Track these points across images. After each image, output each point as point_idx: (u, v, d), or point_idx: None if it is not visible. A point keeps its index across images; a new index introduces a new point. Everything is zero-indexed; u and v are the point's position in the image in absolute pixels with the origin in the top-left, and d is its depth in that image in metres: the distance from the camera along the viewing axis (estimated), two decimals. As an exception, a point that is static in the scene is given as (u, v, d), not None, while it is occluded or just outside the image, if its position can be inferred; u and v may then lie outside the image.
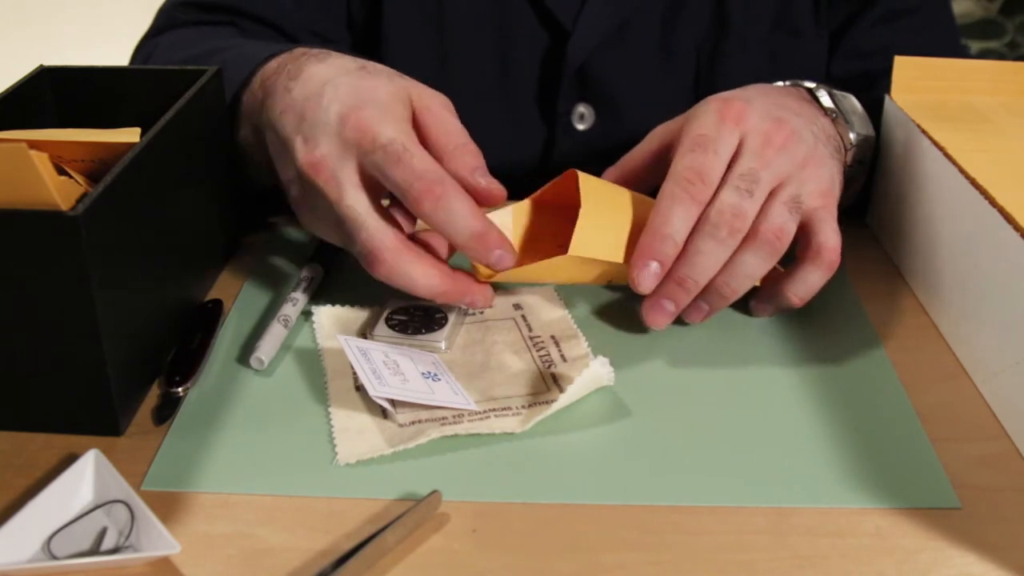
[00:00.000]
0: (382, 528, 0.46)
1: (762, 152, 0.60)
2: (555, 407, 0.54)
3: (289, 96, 0.61)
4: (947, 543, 0.47)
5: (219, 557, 0.46)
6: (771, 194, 0.60)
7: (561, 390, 0.55)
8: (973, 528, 0.48)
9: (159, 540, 0.45)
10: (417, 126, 0.60)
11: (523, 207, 0.65)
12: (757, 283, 0.62)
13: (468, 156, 0.59)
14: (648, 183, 0.67)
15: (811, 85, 0.70)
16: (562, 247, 0.59)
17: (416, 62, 0.84)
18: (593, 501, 0.50)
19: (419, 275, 0.58)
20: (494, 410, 0.55)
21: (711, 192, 0.59)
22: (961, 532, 0.48)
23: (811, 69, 0.86)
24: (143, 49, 0.85)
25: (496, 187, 0.59)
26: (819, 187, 0.62)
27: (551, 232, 0.65)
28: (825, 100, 0.69)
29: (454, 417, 0.54)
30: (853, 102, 0.71)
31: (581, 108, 0.86)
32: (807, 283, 0.61)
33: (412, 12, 0.85)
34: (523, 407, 0.55)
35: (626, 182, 0.66)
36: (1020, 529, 0.48)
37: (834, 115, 0.68)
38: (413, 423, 0.54)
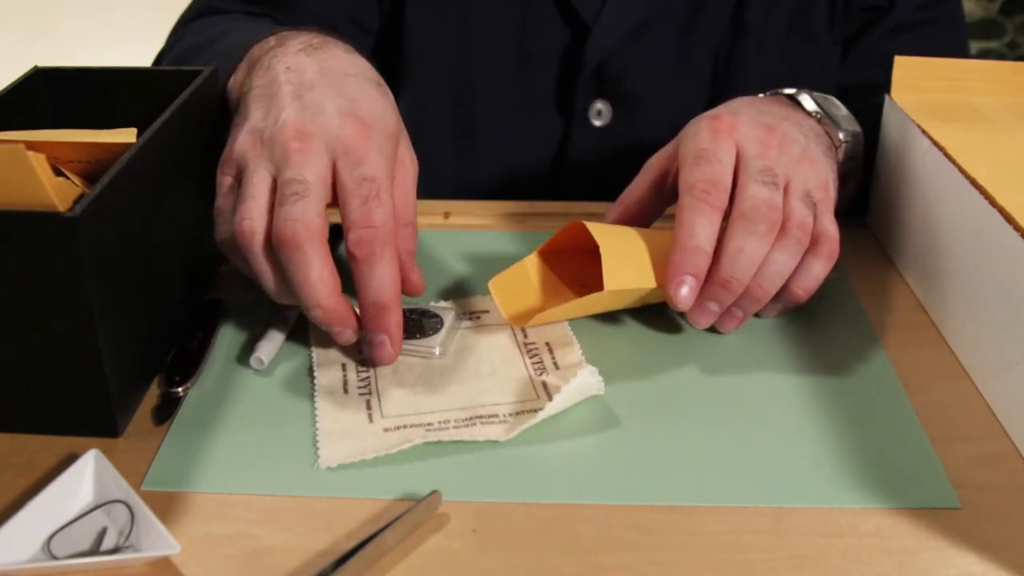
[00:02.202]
0: (382, 528, 0.46)
1: (764, 154, 0.61)
2: (540, 416, 0.54)
3: (303, 56, 0.61)
4: (947, 543, 0.47)
5: (219, 557, 0.46)
6: (785, 191, 0.61)
7: (550, 399, 0.55)
8: (973, 528, 0.48)
9: (159, 540, 0.45)
10: None
11: (532, 260, 0.65)
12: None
13: (410, 239, 0.61)
14: (650, 215, 0.67)
15: (791, 91, 0.71)
16: (585, 286, 0.59)
17: (437, 52, 0.85)
18: (593, 501, 0.50)
19: (318, 273, 0.55)
20: (480, 417, 0.55)
21: (727, 198, 0.60)
22: (961, 532, 0.48)
23: (824, 75, 0.87)
24: (175, 33, 0.87)
25: (421, 283, 0.62)
26: (817, 182, 0.62)
27: (568, 277, 0.65)
28: (808, 104, 0.70)
29: (439, 424, 0.54)
30: (836, 103, 0.72)
31: (599, 105, 0.87)
32: (810, 274, 0.61)
33: (436, 2, 0.86)
34: (510, 415, 0.55)
35: (629, 216, 0.67)
36: (1020, 529, 0.48)
37: (819, 116, 0.69)
38: (398, 428, 0.54)
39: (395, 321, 0.57)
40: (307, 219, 0.54)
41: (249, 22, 0.83)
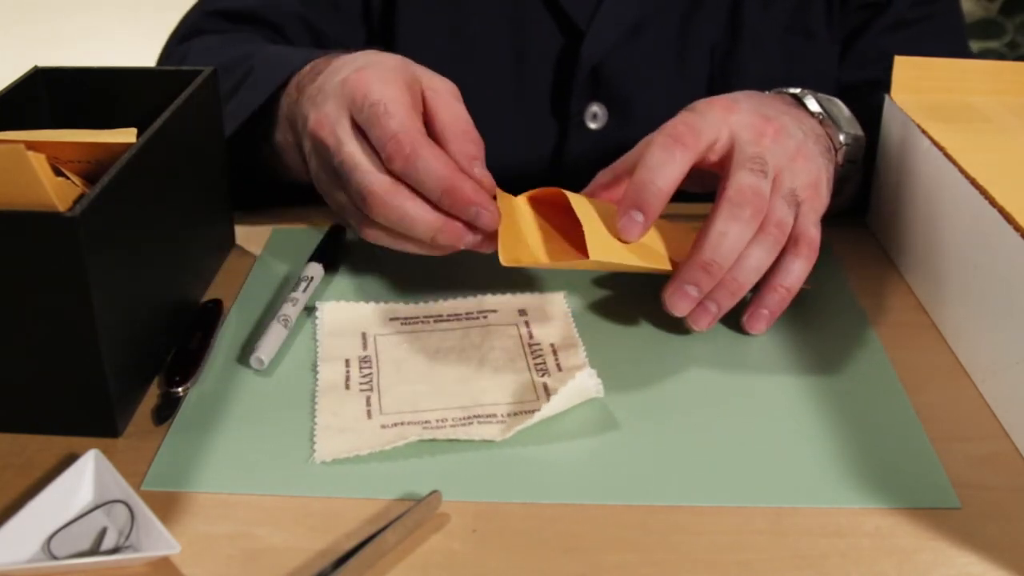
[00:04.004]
0: (382, 528, 0.46)
1: (758, 141, 0.61)
2: (537, 417, 0.53)
3: (315, 82, 0.65)
4: (947, 543, 0.47)
5: (219, 557, 0.46)
6: (773, 184, 0.60)
7: (549, 400, 0.55)
8: (973, 528, 0.48)
9: (159, 540, 0.45)
10: (425, 109, 0.61)
11: (522, 201, 0.65)
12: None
13: (469, 144, 0.60)
14: None
15: (796, 91, 0.71)
16: (566, 235, 0.60)
17: (430, 59, 0.85)
18: (593, 501, 0.50)
19: (414, 210, 0.58)
20: (478, 416, 0.55)
21: (702, 146, 0.60)
22: (961, 532, 0.48)
23: (823, 73, 0.86)
24: (172, 55, 0.86)
25: (488, 181, 0.60)
26: (807, 180, 0.62)
27: (556, 224, 0.64)
28: (812, 104, 0.69)
29: (437, 422, 0.54)
30: (840, 105, 0.71)
31: (594, 108, 0.86)
32: (792, 273, 0.61)
33: (427, 9, 0.85)
34: (507, 415, 0.55)
35: (618, 183, 0.67)
36: (1020, 529, 0.48)
37: (821, 117, 0.69)
38: (395, 425, 0.54)
39: (470, 190, 0.57)
40: (374, 180, 0.58)
41: (250, 43, 0.82)
